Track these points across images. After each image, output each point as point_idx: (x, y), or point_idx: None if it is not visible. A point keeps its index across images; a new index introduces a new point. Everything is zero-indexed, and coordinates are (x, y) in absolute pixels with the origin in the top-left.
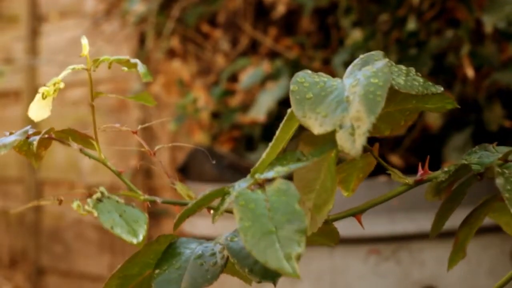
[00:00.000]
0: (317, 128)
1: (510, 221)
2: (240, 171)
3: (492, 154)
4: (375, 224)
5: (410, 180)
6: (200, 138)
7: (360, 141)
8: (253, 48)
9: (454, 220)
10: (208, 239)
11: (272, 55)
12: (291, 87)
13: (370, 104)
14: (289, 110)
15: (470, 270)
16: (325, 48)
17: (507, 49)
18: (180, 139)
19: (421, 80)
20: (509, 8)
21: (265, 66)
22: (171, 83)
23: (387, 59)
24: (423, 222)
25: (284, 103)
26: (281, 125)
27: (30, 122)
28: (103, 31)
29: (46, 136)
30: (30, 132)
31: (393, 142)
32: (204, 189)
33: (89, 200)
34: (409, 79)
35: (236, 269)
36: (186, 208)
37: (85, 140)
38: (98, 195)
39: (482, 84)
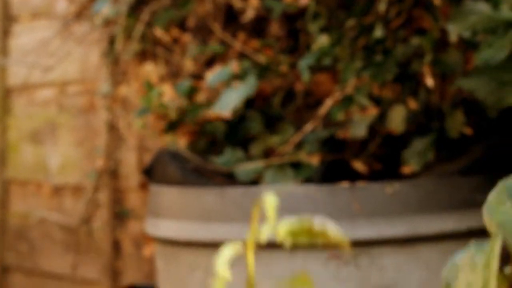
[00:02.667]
0: None
1: None
2: (205, 175)
3: None
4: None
5: None
6: (168, 140)
7: None
8: (222, 52)
9: (415, 228)
10: (170, 241)
11: (241, 58)
12: (494, 219)
13: None
14: (490, 243)
15: (429, 276)
16: (293, 52)
17: (471, 59)
18: (147, 141)
19: None
20: (474, 18)
21: (233, 66)
22: (140, 85)
23: None
24: (384, 228)
25: (249, 104)
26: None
27: (0, 121)
28: (73, 33)
29: None
30: None
31: (358, 148)
32: (168, 192)
33: None
34: None
35: None
36: None
37: None
38: None
39: (447, 92)
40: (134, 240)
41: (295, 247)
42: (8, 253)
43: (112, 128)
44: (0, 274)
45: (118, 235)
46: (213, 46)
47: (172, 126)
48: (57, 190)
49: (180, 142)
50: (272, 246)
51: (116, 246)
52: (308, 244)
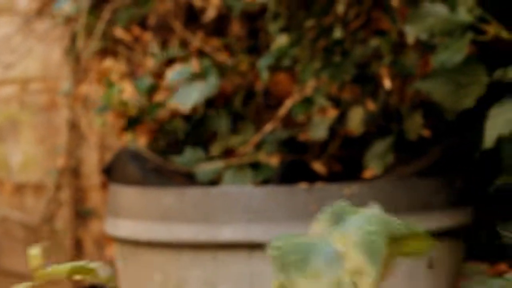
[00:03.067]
0: None
1: None
2: (165, 175)
3: None
4: (294, 230)
5: None
6: (128, 139)
7: None
8: (183, 49)
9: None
10: (129, 241)
11: (201, 56)
12: (271, 253)
13: (371, 253)
14: (273, 282)
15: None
16: (254, 52)
17: (429, 61)
18: (108, 140)
19: (402, 223)
20: (431, 20)
21: (194, 65)
22: (101, 83)
23: (376, 207)
24: None
25: (210, 103)
26: None
27: None
28: (35, 30)
29: None
30: None
31: (318, 149)
32: (127, 191)
33: None
34: (394, 224)
35: None
36: None
37: None
38: None
39: (405, 94)
40: (95, 239)
41: (253, 247)
42: None
43: (74, 126)
44: None
45: (80, 234)
46: (174, 49)
47: (131, 124)
48: (19, 188)
49: (140, 140)
50: (231, 246)
51: (78, 245)
52: None
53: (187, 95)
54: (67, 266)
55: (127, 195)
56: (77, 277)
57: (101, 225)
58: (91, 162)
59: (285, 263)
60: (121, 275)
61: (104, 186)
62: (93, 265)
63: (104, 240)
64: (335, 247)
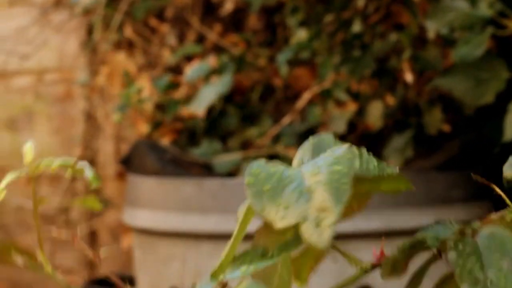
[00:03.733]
0: (278, 221)
1: None
2: (182, 166)
3: (448, 228)
4: None
5: (367, 264)
6: (144, 130)
7: (327, 233)
8: (200, 43)
9: (391, 222)
10: (148, 231)
11: (218, 50)
12: (246, 179)
13: (336, 193)
14: (245, 204)
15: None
16: (271, 46)
17: (449, 55)
18: (124, 131)
19: (375, 162)
20: (452, 15)
21: (211, 61)
22: (117, 75)
23: (347, 144)
24: (360, 222)
25: (228, 99)
26: (238, 222)
27: None
28: (51, 21)
29: None
30: None
31: None
32: (146, 182)
33: None
34: (363, 161)
35: None
36: None
37: (27, 253)
38: None
39: (424, 88)
40: (110, 229)
41: None
42: None
43: (89, 117)
44: None
45: (94, 224)
46: (191, 47)
47: (155, 126)
48: (34, 178)
49: (163, 141)
50: (250, 237)
51: (93, 236)
52: None
53: (202, 99)
54: (57, 161)
55: (146, 185)
56: (68, 173)
57: (116, 215)
58: (107, 152)
59: (259, 190)
60: (138, 264)
61: (119, 176)
62: (81, 164)
63: (120, 230)
64: (307, 182)
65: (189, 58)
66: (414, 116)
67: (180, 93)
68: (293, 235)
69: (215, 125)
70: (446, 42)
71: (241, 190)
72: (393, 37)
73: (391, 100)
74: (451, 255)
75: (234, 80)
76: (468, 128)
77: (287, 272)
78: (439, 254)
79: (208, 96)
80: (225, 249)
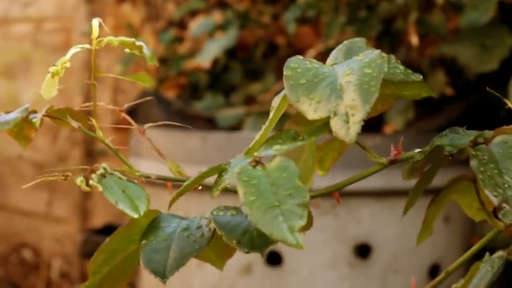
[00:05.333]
0: (311, 113)
1: (472, 203)
2: (187, 118)
3: (462, 136)
4: (316, 179)
5: (384, 160)
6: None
7: (355, 129)
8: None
9: (391, 181)
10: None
11: (222, 6)
12: (285, 72)
13: (365, 93)
14: (281, 94)
15: (403, 230)
16: (275, 3)
17: (454, 20)
18: (124, 83)
19: (402, 67)
20: None
21: (216, 16)
22: (119, 27)
23: (378, 50)
24: (362, 180)
25: (231, 55)
26: (274, 107)
27: None
28: None
29: (45, 115)
30: (29, 110)
31: None
32: (151, 133)
33: (93, 175)
34: (391, 66)
35: (208, 253)
36: (183, 186)
37: (82, 119)
38: (101, 171)
39: (426, 51)
40: None
41: None
42: None
43: (87, 67)
44: None
45: (89, 174)
46: (196, 2)
47: (161, 81)
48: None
49: (168, 94)
50: None
51: (87, 185)
52: None
53: (207, 51)
54: (119, 39)
55: (151, 136)
56: (127, 50)
57: (113, 165)
58: (104, 101)
59: (295, 83)
60: None
61: (116, 127)
62: (139, 43)
63: None
64: (340, 80)
65: (193, 13)
66: None
67: (184, 48)
68: (323, 124)
69: (218, 79)
70: (454, 7)
71: (246, 145)
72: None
73: None
74: (473, 162)
75: (238, 36)
76: (470, 92)
77: (312, 159)
78: (452, 157)
79: (213, 49)
80: (259, 132)
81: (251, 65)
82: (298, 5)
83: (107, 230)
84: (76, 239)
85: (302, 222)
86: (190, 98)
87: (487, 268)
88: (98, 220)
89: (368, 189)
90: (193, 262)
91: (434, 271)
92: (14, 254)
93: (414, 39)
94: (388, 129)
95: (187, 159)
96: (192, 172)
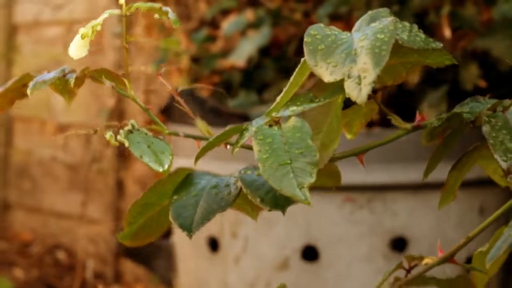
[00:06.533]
0: (327, 76)
1: (497, 168)
2: (222, 116)
3: (482, 104)
4: (352, 173)
5: (408, 125)
6: (179, 82)
7: (366, 90)
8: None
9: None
10: None
11: (253, 4)
12: (305, 38)
13: (376, 57)
14: (302, 59)
15: (439, 222)
16: (306, 1)
17: (486, 13)
18: (157, 83)
19: (423, 36)
20: None
21: (248, 15)
22: (151, 27)
23: (393, 17)
24: (397, 174)
25: (264, 52)
26: (295, 72)
27: (4, 57)
28: None
29: (81, 74)
30: (67, 70)
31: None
32: (187, 131)
33: (121, 131)
34: (412, 34)
35: (243, 204)
36: (208, 142)
37: (116, 79)
38: (129, 127)
39: (459, 44)
40: (137, 180)
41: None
42: (10, 190)
43: (120, 68)
44: (1, 211)
45: (121, 175)
46: (227, 1)
47: (194, 80)
48: (62, 129)
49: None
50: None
51: (120, 186)
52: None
53: (241, 50)
54: (147, 4)
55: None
56: (156, 16)
57: (143, 166)
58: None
59: (314, 49)
60: None
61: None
62: (165, 8)
63: (147, 180)
64: (356, 45)
65: (224, 12)
66: (449, 71)
67: (216, 47)
68: (339, 87)
69: (251, 77)
70: (486, 0)
71: None
72: None
73: None
74: (486, 127)
75: (271, 33)
76: (503, 84)
77: (337, 121)
78: (472, 125)
79: (247, 47)
80: (281, 94)
81: (284, 62)
82: (330, 1)
83: None
84: (110, 240)
85: (312, 179)
86: (223, 96)
87: (510, 232)
88: None
89: (403, 182)
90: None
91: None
92: (48, 255)
93: (447, 33)
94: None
95: (222, 156)
96: (227, 170)
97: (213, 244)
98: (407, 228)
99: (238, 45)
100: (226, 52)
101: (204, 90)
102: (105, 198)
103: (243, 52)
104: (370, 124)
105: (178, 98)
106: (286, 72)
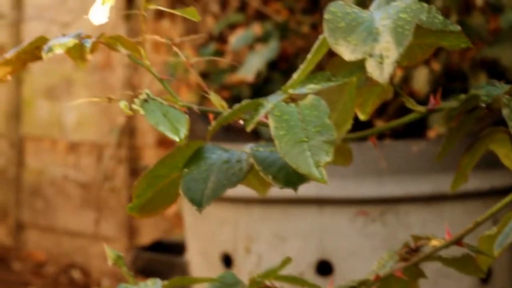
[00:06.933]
0: (348, 54)
1: (509, 153)
2: (232, 131)
3: (498, 88)
4: (364, 187)
5: (422, 108)
6: (188, 97)
7: (388, 69)
8: (242, 10)
9: (439, 186)
10: None
11: (261, 18)
12: (325, 15)
13: (399, 36)
14: (320, 37)
15: (452, 233)
16: (313, 13)
17: (493, 22)
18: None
19: (441, 18)
20: None
21: (256, 29)
22: (158, 43)
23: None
24: (410, 186)
25: (273, 66)
26: (312, 49)
27: (14, 76)
28: None
29: (97, 40)
30: (83, 35)
31: (379, 107)
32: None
33: (136, 100)
34: (430, 16)
35: (252, 180)
36: (221, 116)
37: (132, 47)
38: (144, 96)
39: (467, 54)
40: None
41: (323, 203)
42: (23, 210)
43: (129, 85)
44: (15, 231)
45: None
46: (234, 16)
47: (204, 96)
48: (73, 147)
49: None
50: (301, 201)
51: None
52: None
53: (249, 65)
54: None
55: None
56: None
57: None
58: (146, 121)
59: (335, 27)
60: (189, 230)
61: (159, 144)
62: None
63: None
64: (377, 24)
65: (232, 27)
66: (458, 81)
67: (225, 62)
68: (358, 66)
69: (260, 91)
70: (493, 8)
71: None
72: (439, 2)
73: (436, 66)
74: (505, 110)
75: (279, 47)
76: None
77: (351, 101)
78: (488, 109)
79: (256, 62)
80: (297, 71)
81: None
82: None
83: (156, 247)
84: (124, 257)
85: (328, 158)
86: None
87: None
88: (145, 238)
89: (416, 195)
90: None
91: (486, 275)
92: (63, 275)
93: None
94: (432, 133)
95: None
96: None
97: (227, 261)
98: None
99: (246, 59)
100: (234, 67)
101: (213, 105)
102: (118, 216)
103: (252, 67)
104: (381, 136)
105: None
106: None
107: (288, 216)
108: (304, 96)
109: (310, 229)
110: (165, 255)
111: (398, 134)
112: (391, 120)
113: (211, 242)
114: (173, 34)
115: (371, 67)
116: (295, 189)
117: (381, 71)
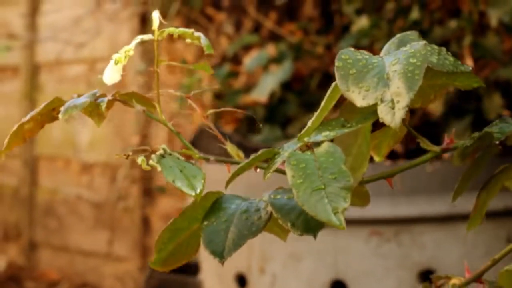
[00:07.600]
0: (359, 101)
1: None
2: (246, 151)
3: (510, 125)
4: (378, 207)
5: (437, 148)
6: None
7: (400, 114)
8: (256, 31)
9: (454, 206)
10: None
11: (275, 38)
12: (336, 63)
13: (409, 81)
14: (333, 84)
15: (466, 253)
16: (327, 33)
17: (508, 42)
18: (181, 120)
19: (451, 59)
20: None
21: (270, 50)
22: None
23: (424, 41)
24: (424, 206)
25: (287, 87)
26: (325, 96)
27: (28, 97)
28: (105, 10)
29: (112, 98)
30: (98, 94)
31: None
32: (212, 167)
33: (153, 156)
34: (441, 57)
35: (272, 226)
36: (239, 166)
37: (146, 103)
38: (161, 151)
39: (481, 74)
40: (163, 216)
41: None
42: (36, 229)
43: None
44: (28, 250)
45: (148, 212)
46: (248, 37)
47: (218, 116)
48: (86, 167)
49: (226, 128)
50: None
51: (145, 223)
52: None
53: (263, 85)
54: (179, 29)
55: (212, 171)
56: (187, 40)
57: (168, 202)
58: (160, 141)
59: (346, 73)
60: (203, 251)
61: None
62: (197, 33)
63: (173, 217)
64: (387, 69)
65: (246, 48)
66: (473, 101)
67: (239, 82)
68: (371, 112)
69: (275, 112)
70: (508, 29)
71: None
72: (453, 23)
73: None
74: None
75: (293, 68)
76: None
77: (366, 144)
78: (502, 145)
79: (270, 83)
80: (312, 118)
81: (307, 97)
82: (351, 34)
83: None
84: (137, 277)
85: (346, 204)
86: (247, 131)
87: None
88: None
89: (431, 215)
90: None
91: None
92: None
93: (469, 62)
94: (446, 154)
95: (248, 192)
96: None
97: (241, 281)
98: (435, 260)
99: (261, 80)
100: (249, 87)
101: (228, 125)
102: (131, 235)
103: (266, 88)
104: (395, 157)
105: (209, 123)
106: (309, 106)
107: (302, 236)
108: (319, 143)
109: (324, 249)
110: (178, 275)
111: (411, 154)
112: (405, 140)
113: (225, 263)
114: (187, 55)
115: (383, 113)
116: (315, 236)
117: (393, 116)
